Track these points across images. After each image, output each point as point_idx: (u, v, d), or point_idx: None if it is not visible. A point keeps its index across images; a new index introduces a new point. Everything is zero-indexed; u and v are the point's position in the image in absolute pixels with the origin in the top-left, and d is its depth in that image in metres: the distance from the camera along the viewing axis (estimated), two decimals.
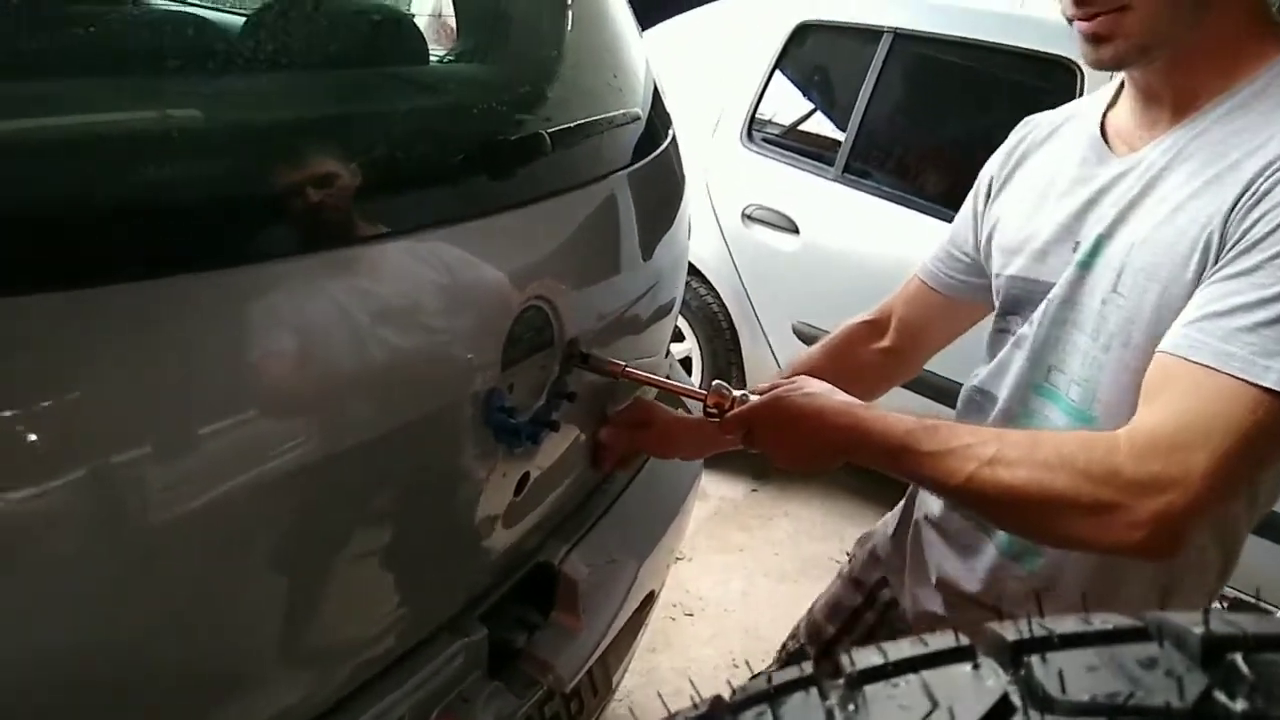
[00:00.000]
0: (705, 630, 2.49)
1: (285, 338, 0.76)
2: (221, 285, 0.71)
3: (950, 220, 1.18)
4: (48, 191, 0.64)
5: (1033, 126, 1.09)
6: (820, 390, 0.94)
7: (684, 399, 1.09)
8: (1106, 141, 0.95)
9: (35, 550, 0.60)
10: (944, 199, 2.67)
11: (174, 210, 0.72)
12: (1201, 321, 0.77)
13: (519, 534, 1.12)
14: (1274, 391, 0.72)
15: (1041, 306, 0.95)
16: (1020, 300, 1.01)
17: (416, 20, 1.67)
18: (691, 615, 2.54)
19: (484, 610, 1.09)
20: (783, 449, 0.95)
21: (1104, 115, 0.97)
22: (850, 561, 1.30)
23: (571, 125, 1.06)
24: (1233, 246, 0.78)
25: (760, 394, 0.98)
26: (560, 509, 1.22)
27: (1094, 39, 0.84)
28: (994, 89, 2.77)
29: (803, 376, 0.97)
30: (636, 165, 1.32)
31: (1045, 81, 2.54)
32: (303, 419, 0.78)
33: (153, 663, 0.71)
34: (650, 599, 1.46)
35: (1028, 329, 0.96)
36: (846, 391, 1.06)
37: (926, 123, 3.03)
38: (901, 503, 1.24)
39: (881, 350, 1.20)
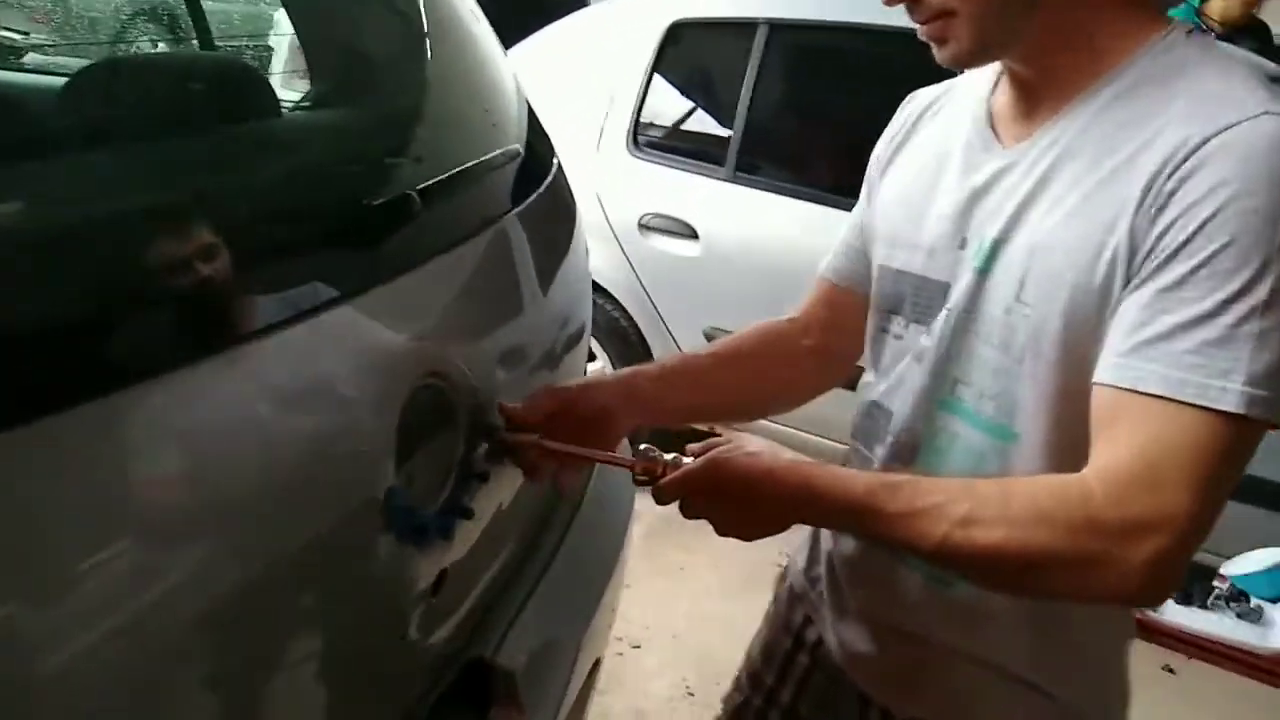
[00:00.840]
0: (654, 661, 2.40)
1: (139, 479, 0.63)
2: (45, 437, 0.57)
3: (849, 208, 1.11)
4: None
5: (916, 104, 1.03)
6: (763, 449, 0.85)
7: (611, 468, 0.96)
8: (993, 128, 0.90)
9: None
10: (839, 187, 2.64)
11: None
12: (1142, 348, 0.72)
13: (441, 637, 1.00)
14: (1233, 414, 0.68)
15: (941, 317, 0.88)
16: (900, 298, 0.95)
17: (265, 64, 1.52)
18: (639, 647, 2.44)
19: None
20: (726, 516, 0.85)
21: (991, 95, 0.92)
22: (775, 600, 1.22)
23: (443, 177, 0.94)
24: (1147, 256, 0.73)
25: (695, 455, 0.88)
26: (486, 597, 1.10)
27: (932, 41, 0.83)
28: (878, 70, 2.74)
29: (742, 434, 0.88)
30: (523, 204, 1.21)
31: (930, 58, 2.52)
32: (174, 559, 0.64)
33: None
34: (597, 665, 1.35)
35: (927, 341, 0.90)
36: (779, 379, 1.06)
37: (813, 112, 2.99)
38: (808, 531, 1.17)
39: (808, 348, 1.12)
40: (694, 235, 2.85)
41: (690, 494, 0.86)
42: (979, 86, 0.93)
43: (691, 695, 2.30)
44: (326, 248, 0.83)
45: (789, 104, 2.97)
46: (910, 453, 0.92)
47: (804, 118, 3.00)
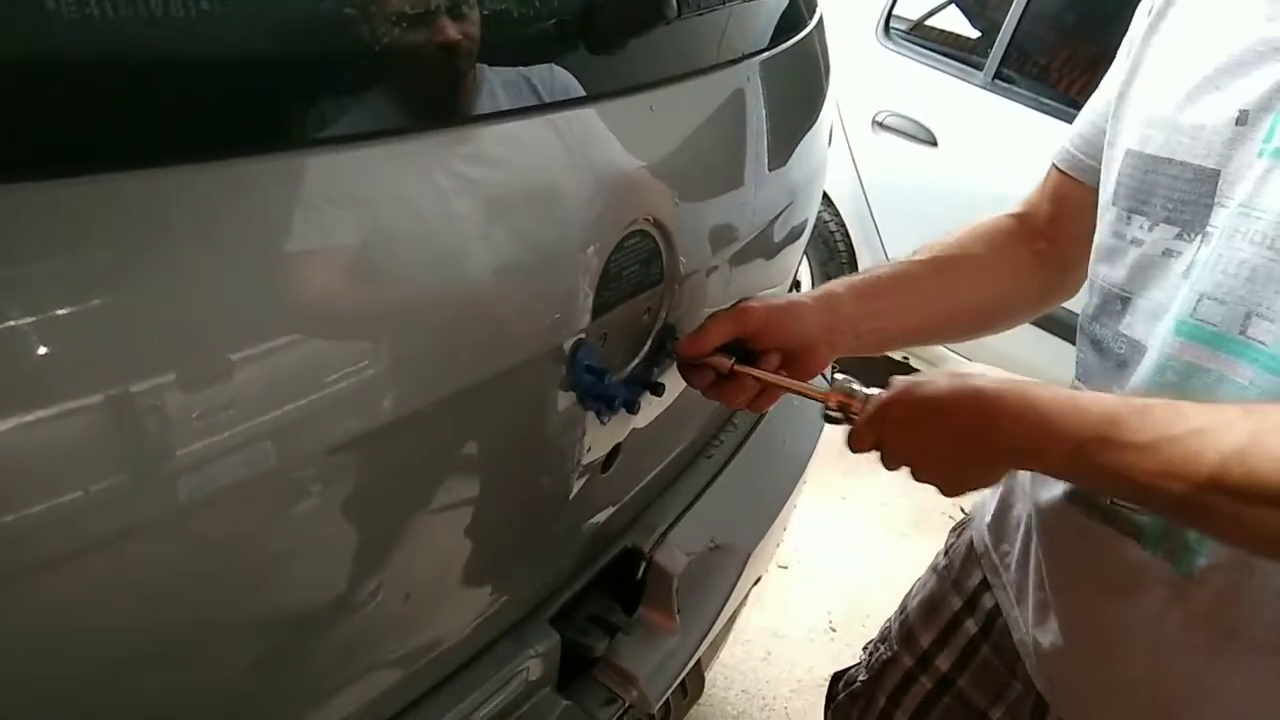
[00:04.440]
0: (801, 586, 2.27)
1: (311, 254, 0.53)
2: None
3: None
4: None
5: None
6: (972, 371, 0.67)
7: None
8: None
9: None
10: None
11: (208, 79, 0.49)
12: None
13: (603, 517, 0.89)
14: None
15: (1221, 220, 0.65)
16: (1148, 192, 0.72)
17: None
18: (786, 568, 2.31)
19: (556, 610, 0.87)
20: (930, 455, 0.68)
21: None
22: (947, 551, 1.02)
23: None
24: None
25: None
26: (656, 485, 0.98)
27: None
28: None
29: (956, 369, 0.69)
30: (777, 49, 1.03)
31: None
32: (342, 385, 0.55)
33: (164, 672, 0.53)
34: (755, 584, 1.23)
35: (1202, 251, 0.67)
36: (1003, 290, 0.89)
37: (1099, 20, 2.58)
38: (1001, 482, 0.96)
39: (1037, 254, 0.89)
40: (933, 142, 2.56)
41: (885, 430, 0.69)
42: None
43: (833, 630, 2.17)
44: (561, 40, 0.69)
45: (1073, 7, 2.58)
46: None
47: (1087, 26, 2.60)
